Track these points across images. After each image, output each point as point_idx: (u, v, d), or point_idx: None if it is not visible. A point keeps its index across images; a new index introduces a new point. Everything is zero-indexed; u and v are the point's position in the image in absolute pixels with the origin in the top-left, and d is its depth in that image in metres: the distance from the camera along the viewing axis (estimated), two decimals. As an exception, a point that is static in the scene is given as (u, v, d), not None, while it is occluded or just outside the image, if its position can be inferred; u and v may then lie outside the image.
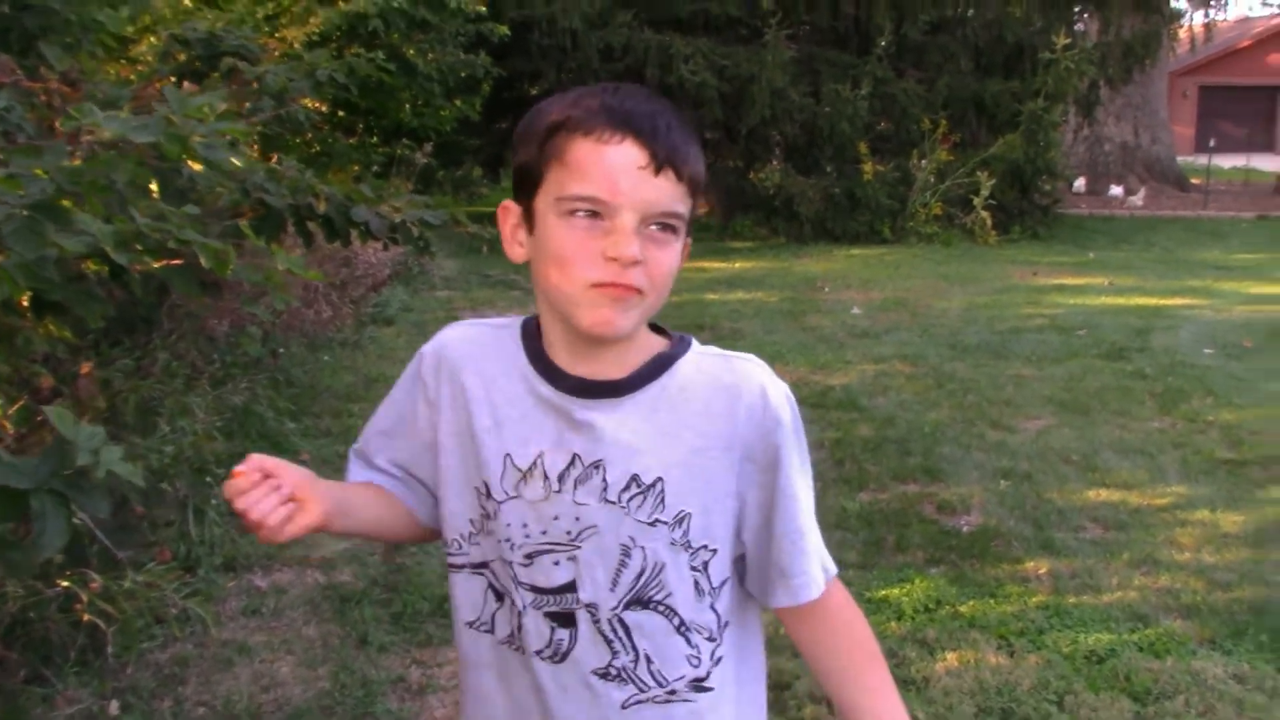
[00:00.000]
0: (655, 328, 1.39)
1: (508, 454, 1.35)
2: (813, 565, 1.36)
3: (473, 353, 1.41)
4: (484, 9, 11.45)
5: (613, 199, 1.23)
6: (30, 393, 3.66)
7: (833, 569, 1.40)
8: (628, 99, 1.27)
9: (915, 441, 5.50)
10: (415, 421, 1.44)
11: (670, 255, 1.27)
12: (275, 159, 11.53)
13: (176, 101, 2.07)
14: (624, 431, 1.33)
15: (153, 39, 7.77)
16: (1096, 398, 6.38)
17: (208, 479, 4.49)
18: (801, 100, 14.06)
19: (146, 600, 3.41)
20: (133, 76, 6.96)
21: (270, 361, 6.34)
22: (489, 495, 1.37)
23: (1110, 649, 3.42)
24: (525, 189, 1.30)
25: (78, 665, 3.20)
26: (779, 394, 1.34)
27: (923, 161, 14.06)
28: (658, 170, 1.24)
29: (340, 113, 12.91)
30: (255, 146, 10.74)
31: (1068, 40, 14.21)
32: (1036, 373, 6.99)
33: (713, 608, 1.37)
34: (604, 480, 1.32)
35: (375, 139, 13.35)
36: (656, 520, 1.32)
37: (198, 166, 2.19)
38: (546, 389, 1.35)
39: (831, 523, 4.46)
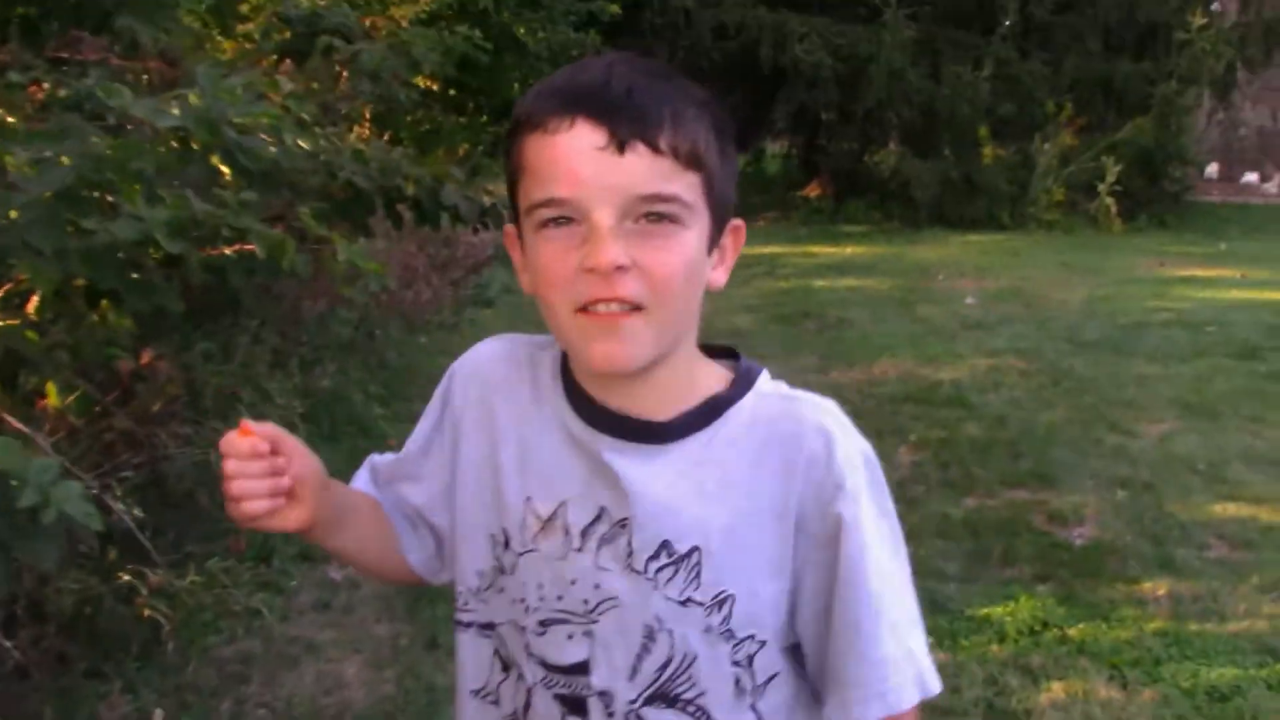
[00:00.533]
0: (720, 350, 1.17)
1: (529, 497, 1.15)
2: (880, 677, 1.09)
3: (509, 375, 1.20)
4: (594, -13, 11.31)
5: (574, 193, 1.01)
6: (108, 377, 3.59)
7: (931, 687, 1.13)
8: (582, 71, 1.06)
9: (1027, 444, 5.20)
10: (439, 456, 1.24)
11: (675, 251, 1.03)
12: (387, 137, 11.55)
13: (208, 82, 1.91)
14: (657, 485, 1.09)
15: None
16: (1226, 401, 5.96)
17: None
18: (920, 82, 13.61)
19: (214, 594, 3.32)
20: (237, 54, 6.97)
21: (365, 344, 6.28)
22: (507, 546, 1.16)
23: (1235, 686, 3.12)
24: (514, 208, 1.10)
25: (139, 661, 3.12)
26: (850, 449, 1.09)
27: (1046, 145, 13.52)
28: (621, 147, 1.00)
29: (451, 91, 12.89)
30: (366, 126, 10.79)
31: (1204, 20, 13.53)
32: (1161, 372, 6.59)
33: (753, 708, 1.13)
34: (629, 544, 1.10)
35: (485, 117, 13.30)
36: (689, 600, 1.09)
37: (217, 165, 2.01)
38: (577, 424, 1.13)
39: (933, 530, 4.21)
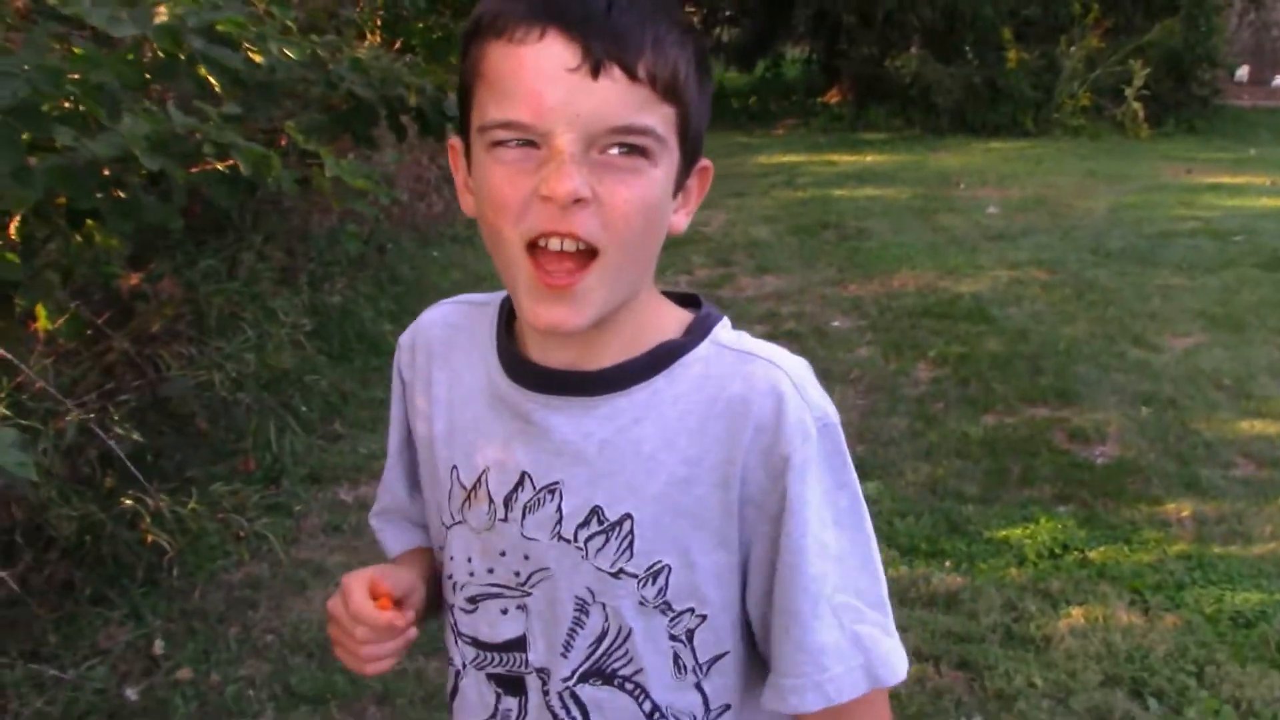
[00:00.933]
0: (684, 297, 1.05)
1: (455, 466, 1.06)
2: (818, 667, 0.97)
3: (448, 338, 1.10)
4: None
5: (537, 119, 0.88)
6: (108, 296, 3.51)
7: (885, 678, 0.98)
8: None
9: (1048, 359, 5.08)
10: (409, 441, 1.16)
11: (640, 188, 0.90)
12: (398, 45, 11.33)
13: (169, -11, 1.79)
14: (589, 446, 0.99)
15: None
16: (1254, 313, 5.81)
17: (301, 383, 4.36)
18: (942, -17, 13.25)
19: (219, 519, 3.27)
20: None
21: (375, 258, 6.18)
22: (440, 520, 1.09)
23: (1260, 610, 3.05)
24: (463, 118, 0.96)
25: (145, 587, 3.08)
26: (803, 415, 0.96)
27: (1071, 49, 13.17)
28: (595, 70, 0.87)
29: (462, -4, 12.64)
30: (377, 35, 10.58)
31: (1238, -84, 13.10)
32: (1187, 283, 6.43)
33: (698, 688, 1.03)
34: (559, 510, 1.00)
35: (498, 24, 13.06)
36: (622, 571, 0.99)
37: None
38: (504, 382, 1.03)
39: (952, 450, 4.13)
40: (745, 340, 1.01)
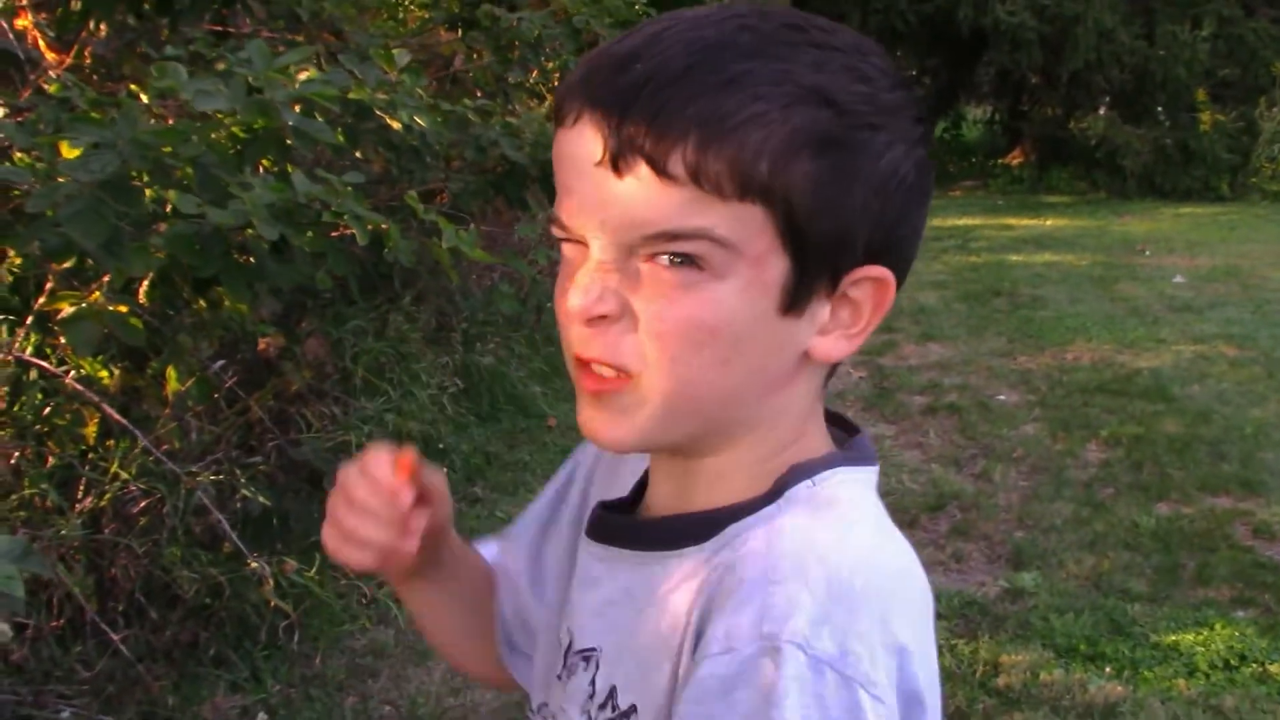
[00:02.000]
0: (839, 418, 0.84)
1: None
2: None
3: (591, 464, 0.96)
4: (782, -52, 10.95)
5: (571, 219, 0.73)
6: (252, 354, 3.56)
7: None
8: (630, 35, 0.72)
9: (1232, 444, 4.72)
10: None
11: (688, 306, 0.71)
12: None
13: (261, 59, 1.75)
14: (628, 611, 0.79)
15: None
16: None
17: (439, 446, 4.34)
18: (1133, 43, 12.78)
19: (343, 584, 3.25)
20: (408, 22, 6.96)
21: (532, 318, 6.18)
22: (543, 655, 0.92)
23: None
24: None
25: (267, 649, 3.07)
26: (741, 618, 0.68)
27: (1272, 110, 12.52)
28: (614, 165, 0.69)
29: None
30: (550, 96, 10.74)
31: None
32: (1393, 364, 5.95)
33: None
34: (592, 683, 0.81)
35: (670, 84, 13.16)
36: None
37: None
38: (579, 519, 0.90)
39: (1120, 540, 3.84)
40: (814, 498, 0.76)
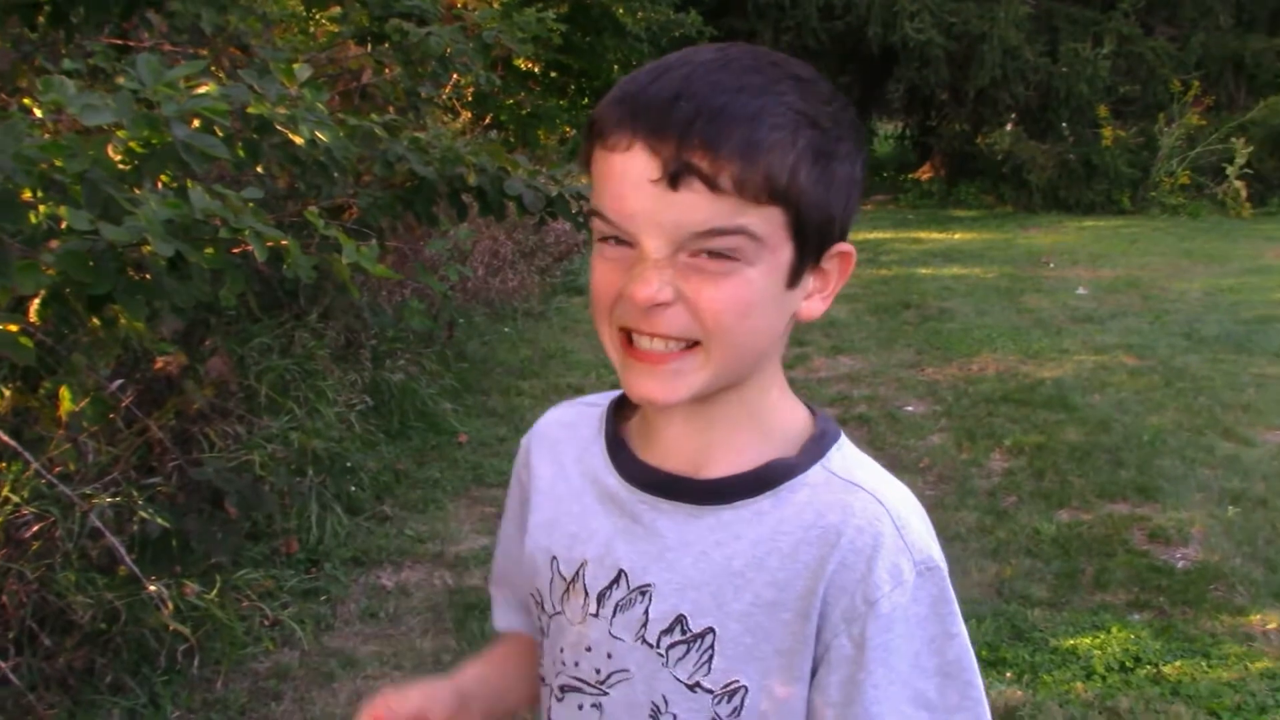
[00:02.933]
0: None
1: (554, 557, 1.07)
2: None
3: (558, 436, 1.13)
4: (695, -35, 11.05)
5: (627, 223, 0.91)
6: (152, 373, 3.49)
7: None
8: (658, 77, 0.91)
9: (1131, 451, 4.84)
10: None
11: (731, 288, 0.91)
12: (488, 120, 11.40)
13: (150, 73, 1.73)
14: (687, 554, 0.99)
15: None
16: (1356, 405, 5.52)
17: (347, 464, 4.30)
18: (1036, 60, 13.09)
19: (246, 607, 3.20)
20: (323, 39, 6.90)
21: (444, 335, 6.15)
22: (542, 608, 1.09)
23: (1350, 740, 2.80)
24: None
25: (168, 674, 3.01)
26: (899, 559, 0.93)
27: (1170, 126, 12.88)
28: (674, 182, 0.87)
29: (552, 74, 12.77)
30: (468, 112, 10.68)
31: (1345, -9, 12.76)
32: (1285, 372, 6.14)
33: None
34: (646, 613, 1.00)
35: (586, 100, 13.16)
36: (698, 685, 0.97)
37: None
38: (613, 480, 1.04)
39: (1022, 548, 3.91)
40: (857, 468, 0.99)
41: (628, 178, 0.89)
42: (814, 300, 0.98)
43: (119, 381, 3.20)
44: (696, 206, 0.88)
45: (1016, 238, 11.11)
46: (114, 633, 2.90)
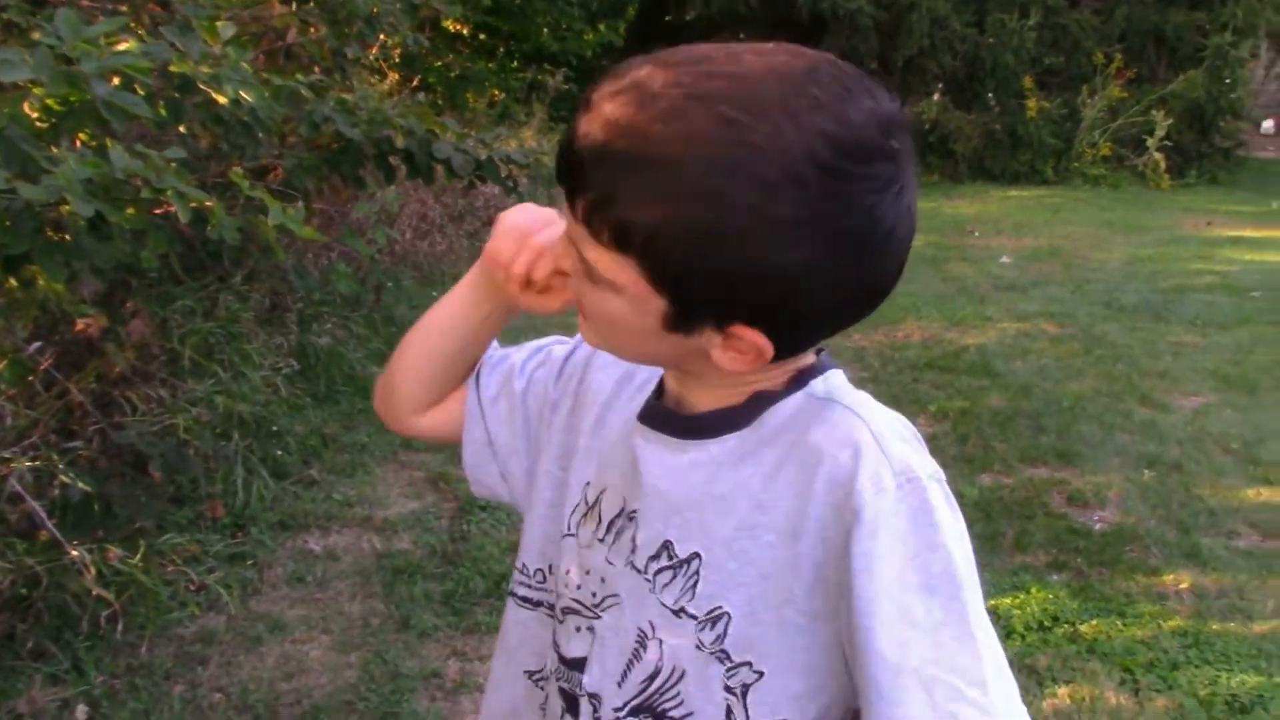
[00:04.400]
0: None
1: (587, 482, 1.10)
2: None
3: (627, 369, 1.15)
4: (626, -71, 10.97)
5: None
6: (72, 335, 3.43)
7: None
8: (643, 67, 0.86)
9: (1051, 417, 4.94)
10: (541, 392, 1.19)
11: (599, 301, 0.92)
12: (415, 82, 11.25)
13: (69, 29, 1.69)
14: (670, 482, 1.00)
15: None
16: (1268, 373, 5.66)
17: (273, 428, 4.26)
18: (964, 30, 13.19)
19: (171, 571, 3.16)
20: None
21: (371, 298, 6.08)
22: (556, 528, 1.13)
23: (1257, 695, 2.89)
24: None
25: (91, 640, 2.97)
26: (877, 468, 0.88)
27: (1093, 98, 13.06)
28: (560, 177, 0.90)
29: (481, 35, 12.63)
30: (395, 73, 10.54)
31: (1263, -32, 13.00)
32: (1200, 340, 6.29)
33: None
34: (634, 539, 1.02)
35: (515, 63, 13.05)
36: (683, 610, 0.97)
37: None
38: (634, 411, 1.08)
39: (944, 511, 3.97)
40: (836, 390, 0.98)
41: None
42: (729, 357, 0.92)
43: (37, 344, 3.13)
44: (569, 212, 0.89)
45: (942, 207, 11.22)
46: (35, 598, 2.86)
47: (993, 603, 3.35)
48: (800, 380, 0.97)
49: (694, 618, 0.96)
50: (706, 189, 0.81)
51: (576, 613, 1.07)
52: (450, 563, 3.61)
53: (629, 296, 0.89)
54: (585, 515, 1.07)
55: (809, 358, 0.99)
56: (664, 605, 0.98)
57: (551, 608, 1.12)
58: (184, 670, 2.99)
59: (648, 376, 1.09)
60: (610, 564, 1.03)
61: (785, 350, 0.92)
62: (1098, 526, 3.91)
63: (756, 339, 0.89)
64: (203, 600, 3.28)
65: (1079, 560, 3.65)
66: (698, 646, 0.96)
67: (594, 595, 1.05)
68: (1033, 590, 3.42)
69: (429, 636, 3.20)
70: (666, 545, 0.98)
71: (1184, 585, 3.48)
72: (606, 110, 0.84)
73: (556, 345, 1.21)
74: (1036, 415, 4.96)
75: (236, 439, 3.83)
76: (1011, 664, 2.71)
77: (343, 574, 3.57)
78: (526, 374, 1.20)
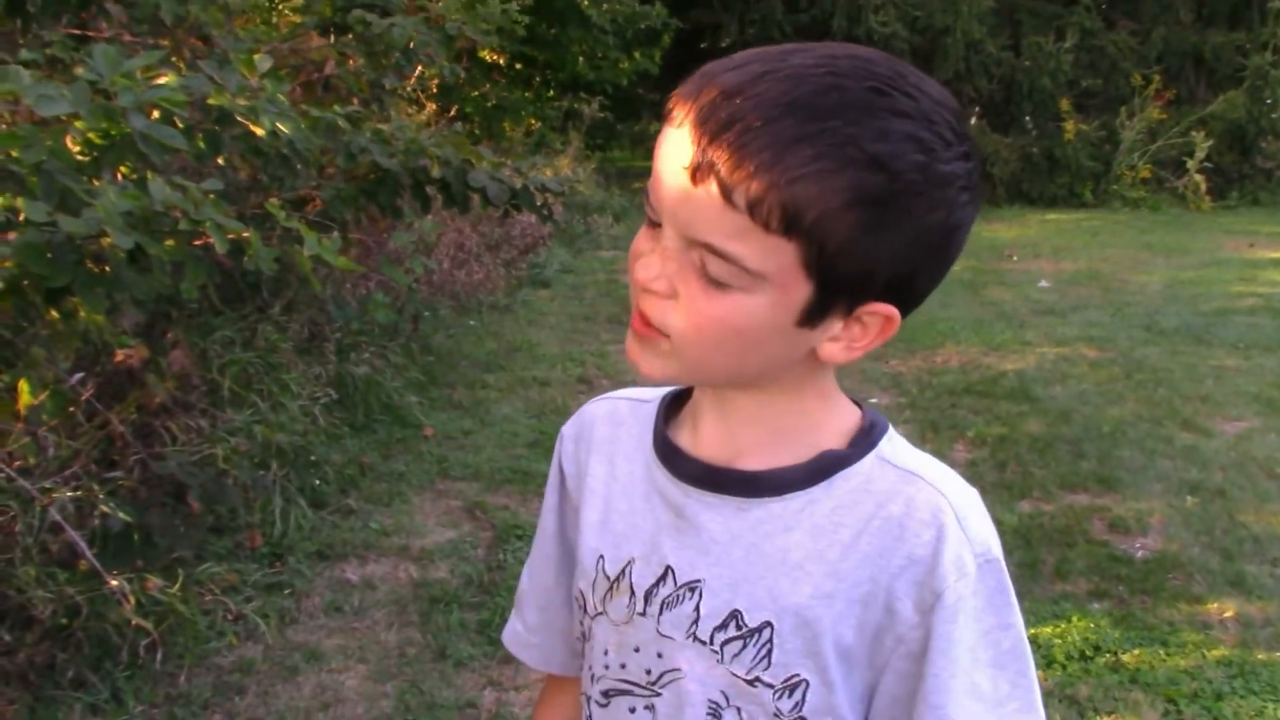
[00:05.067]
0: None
1: (601, 556, 1.04)
2: None
3: (607, 434, 1.09)
4: (661, -42, 11.05)
5: (655, 202, 0.88)
6: (113, 366, 3.46)
7: None
8: (740, 67, 0.84)
9: (1091, 442, 4.89)
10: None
11: (722, 308, 0.86)
12: (453, 111, 11.33)
13: (107, 64, 1.71)
14: (736, 547, 0.96)
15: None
16: (1312, 397, 5.59)
17: (311, 458, 4.28)
18: (1000, 53, 13.20)
19: (209, 600, 3.18)
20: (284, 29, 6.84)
21: (409, 328, 6.12)
22: (584, 609, 1.06)
23: (1304, 726, 2.85)
24: None
25: (130, 669, 2.99)
26: (960, 550, 0.90)
27: (1132, 120, 13.00)
28: (694, 176, 0.82)
29: (518, 65, 12.74)
30: (433, 103, 10.62)
31: (1303, -12, 12.91)
32: (1243, 363, 6.22)
33: None
34: (697, 609, 0.97)
35: (551, 92, 13.15)
36: (758, 680, 0.95)
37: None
38: (661, 473, 1.01)
39: (983, 538, 3.94)
40: (910, 457, 0.96)
41: (668, 156, 0.85)
42: (839, 347, 0.91)
43: (79, 375, 3.17)
44: (708, 210, 0.82)
45: (981, 230, 11.16)
46: (75, 628, 2.88)
47: (1033, 631, 3.32)
48: (864, 441, 0.95)
49: (770, 686, 0.95)
50: (875, 154, 0.80)
51: (627, 693, 1.03)
52: (486, 592, 3.61)
53: (771, 288, 0.85)
54: (610, 590, 1.02)
55: (857, 413, 0.98)
56: (736, 675, 0.96)
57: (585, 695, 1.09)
58: (222, 700, 3.01)
59: (634, 445, 1.05)
60: (666, 637, 0.99)
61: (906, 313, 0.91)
62: (1140, 554, 3.86)
63: (887, 310, 0.88)
64: (240, 630, 3.29)
65: (1121, 588, 3.60)
66: (775, 715, 0.96)
67: (649, 672, 1.00)
68: (1074, 619, 3.38)
69: (465, 666, 3.20)
70: (735, 614, 0.96)
71: (1228, 614, 3.43)
72: (761, 91, 0.81)
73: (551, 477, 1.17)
74: (1076, 441, 4.91)
75: (275, 468, 3.85)
76: (1052, 694, 2.68)
77: (379, 603, 3.58)
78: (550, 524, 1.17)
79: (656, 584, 0.99)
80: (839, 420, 0.97)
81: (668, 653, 0.98)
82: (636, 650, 1.00)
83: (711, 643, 0.96)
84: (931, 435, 5.02)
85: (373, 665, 3.22)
